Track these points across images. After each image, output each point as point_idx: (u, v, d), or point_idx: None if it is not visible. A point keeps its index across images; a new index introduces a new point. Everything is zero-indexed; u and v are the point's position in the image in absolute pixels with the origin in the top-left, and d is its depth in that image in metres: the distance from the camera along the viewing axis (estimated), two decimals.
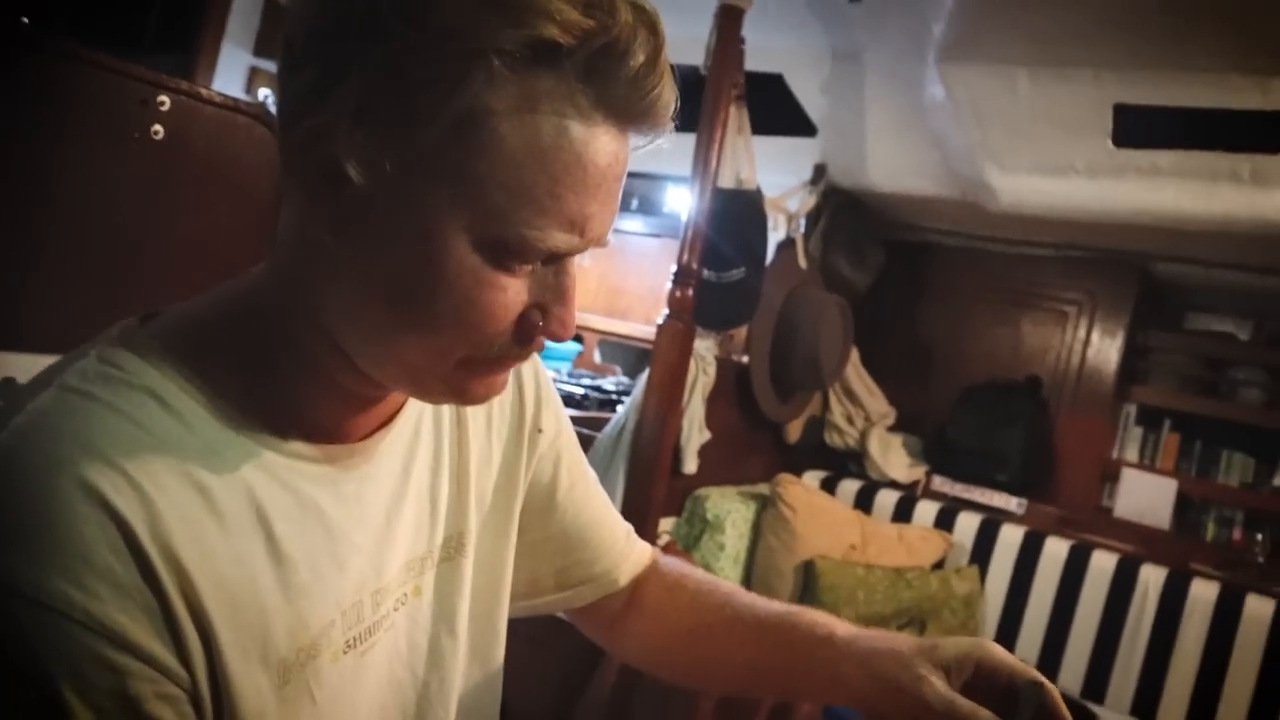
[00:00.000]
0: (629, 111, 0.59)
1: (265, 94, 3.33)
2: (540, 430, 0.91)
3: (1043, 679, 0.75)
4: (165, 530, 0.57)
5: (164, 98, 1.27)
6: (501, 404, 0.88)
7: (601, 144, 0.58)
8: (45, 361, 0.97)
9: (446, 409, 0.82)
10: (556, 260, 0.62)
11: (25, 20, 1.17)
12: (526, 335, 0.63)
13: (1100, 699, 2.66)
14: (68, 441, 0.56)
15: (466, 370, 0.63)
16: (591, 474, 1.00)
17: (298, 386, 0.66)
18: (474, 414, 0.85)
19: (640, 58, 0.57)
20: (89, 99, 1.21)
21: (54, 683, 0.53)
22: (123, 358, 0.62)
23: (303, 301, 0.64)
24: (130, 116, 1.26)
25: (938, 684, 0.75)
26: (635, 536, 1.03)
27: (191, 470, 0.60)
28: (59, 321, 1.17)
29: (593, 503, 0.99)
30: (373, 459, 0.72)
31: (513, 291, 0.60)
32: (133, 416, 0.59)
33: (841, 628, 0.84)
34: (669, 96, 0.60)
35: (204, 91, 1.33)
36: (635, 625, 1.01)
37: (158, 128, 1.28)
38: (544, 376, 0.94)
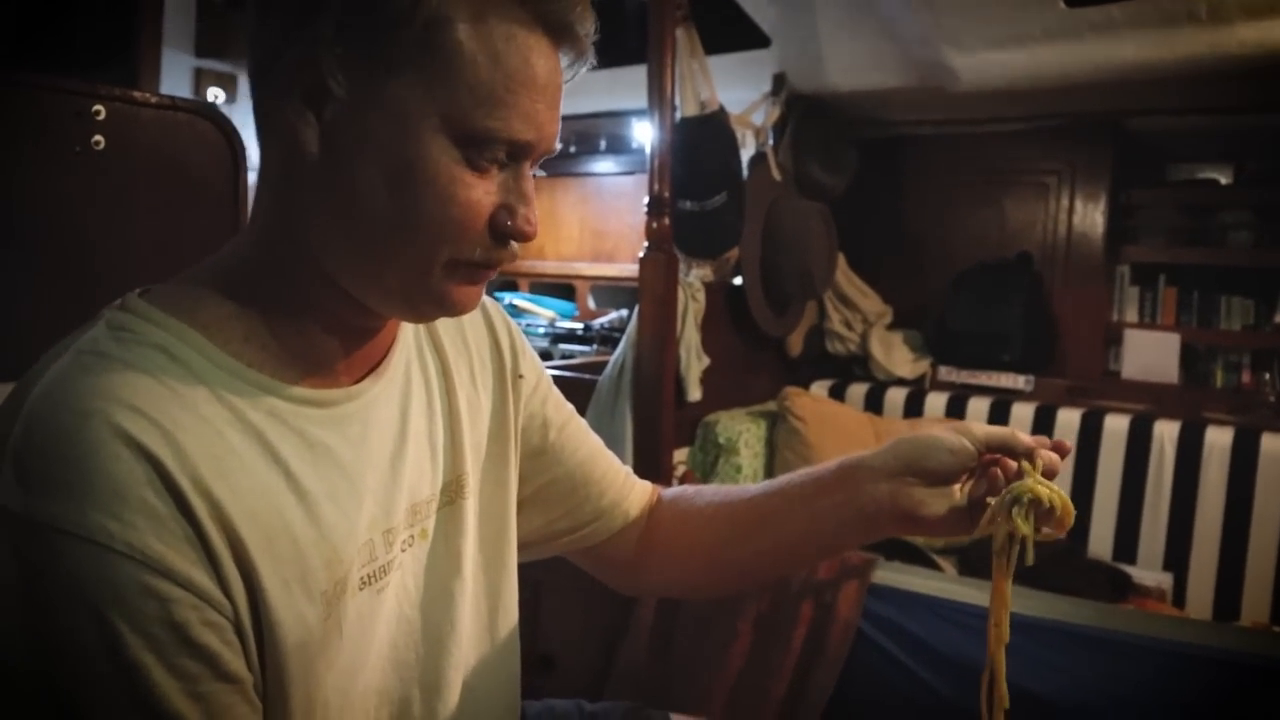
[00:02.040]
0: (559, 24, 0.69)
1: (215, 94, 3.30)
2: (521, 376, 0.95)
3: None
4: (193, 465, 0.62)
5: (99, 107, 1.26)
6: (481, 355, 0.92)
7: (542, 52, 0.68)
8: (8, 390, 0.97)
9: (431, 361, 0.87)
10: (515, 164, 0.70)
11: None
12: (498, 232, 0.70)
13: (1132, 559, 2.68)
14: (91, 394, 0.61)
15: (449, 277, 0.70)
16: (578, 416, 1.04)
17: (293, 327, 0.72)
18: (457, 364, 0.89)
19: None
20: (22, 119, 1.20)
21: (102, 611, 0.57)
22: (129, 320, 0.67)
23: (292, 240, 0.70)
24: (68, 130, 1.25)
25: (963, 427, 0.87)
26: (634, 475, 1.07)
27: (206, 414, 0.65)
28: (23, 348, 1.18)
29: (587, 440, 1.03)
30: (371, 403, 0.77)
31: (482, 190, 0.68)
32: (146, 369, 0.64)
33: (850, 455, 0.92)
34: (588, 15, 0.71)
35: (138, 95, 1.32)
36: (657, 556, 1.05)
37: (98, 138, 1.26)
38: (515, 327, 0.98)
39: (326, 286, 0.71)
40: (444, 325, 0.89)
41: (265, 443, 0.67)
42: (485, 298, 0.93)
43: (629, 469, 1.07)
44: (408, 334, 0.85)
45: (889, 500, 0.88)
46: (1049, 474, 0.84)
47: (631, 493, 1.04)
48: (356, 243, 0.69)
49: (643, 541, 1.05)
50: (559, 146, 0.74)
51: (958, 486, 0.88)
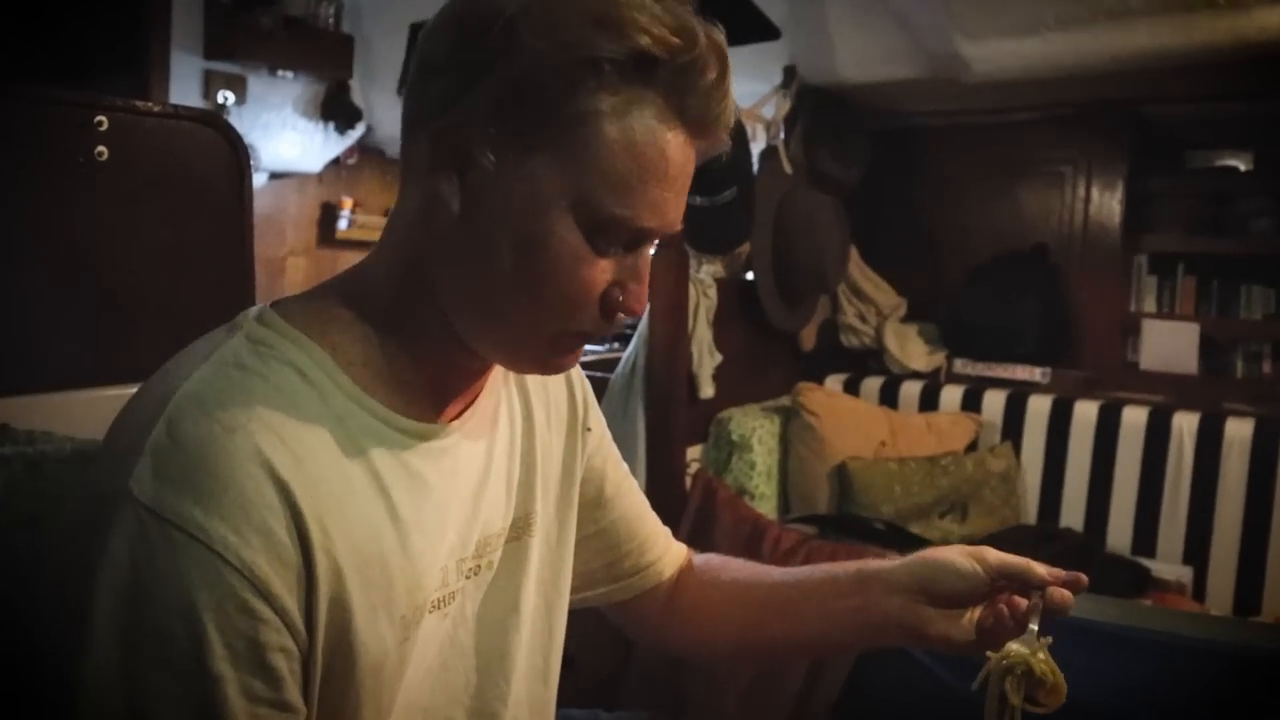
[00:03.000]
0: (700, 119, 0.71)
1: (225, 96, 3.30)
2: (589, 429, 1.00)
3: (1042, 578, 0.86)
4: (316, 494, 0.66)
5: (101, 117, 1.26)
6: (558, 402, 0.97)
7: (679, 145, 0.71)
8: (29, 402, 0.98)
9: (517, 403, 0.91)
10: (636, 245, 0.73)
11: None
12: (609, 309, 0.73)
13: (1151, 553, 2.66)
14: (237, 408, 0.66)
15: (555, 343, 0.75)
16: (630, 475, 1.09)
17: (407, 356, 0.76)
18: (538, 407, 0.94)
19: (713, 74, 0.70)
20: (25, 131, 1.20)
21: (199, 612, 0.61)
22: (267, 335, 0.72)
23: (419, 279, 0.74)
24: (71, 142, 1.24)
25: (979, 552, 0.89)
26: (672, 537, 1.12)
27: (327, 439, 0.70)
28: (35, 361, 1.17)
29: (637, 500, 1.08)
30: (463, 439, 0.81)
31: (601, 270, 0.71)
32: (281, 388, 0.69)
33: (871, 560, 0.97)
34: (731, 112, 0.73)
35: (140, 104, 1.31)
36: (679, 621, 1.09)
37: (101, 149, 1.26)
38: (587, 383, 1.04)
39: (443, 327, 0.75)
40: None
41: (373, 470, 0.72)
42: None
43: (669, 531, 1.11)
44: (498, 375, 0.89)
45: (898, 615, 0.91)
46: (1060, 610, 0.86)
47: (668, 553, 1.09)
48: (477, 298, 0.73)
49: (669, 604, 1.09)
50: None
51: (968, 611, 0.90)
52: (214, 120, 1.40)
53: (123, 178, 1.27)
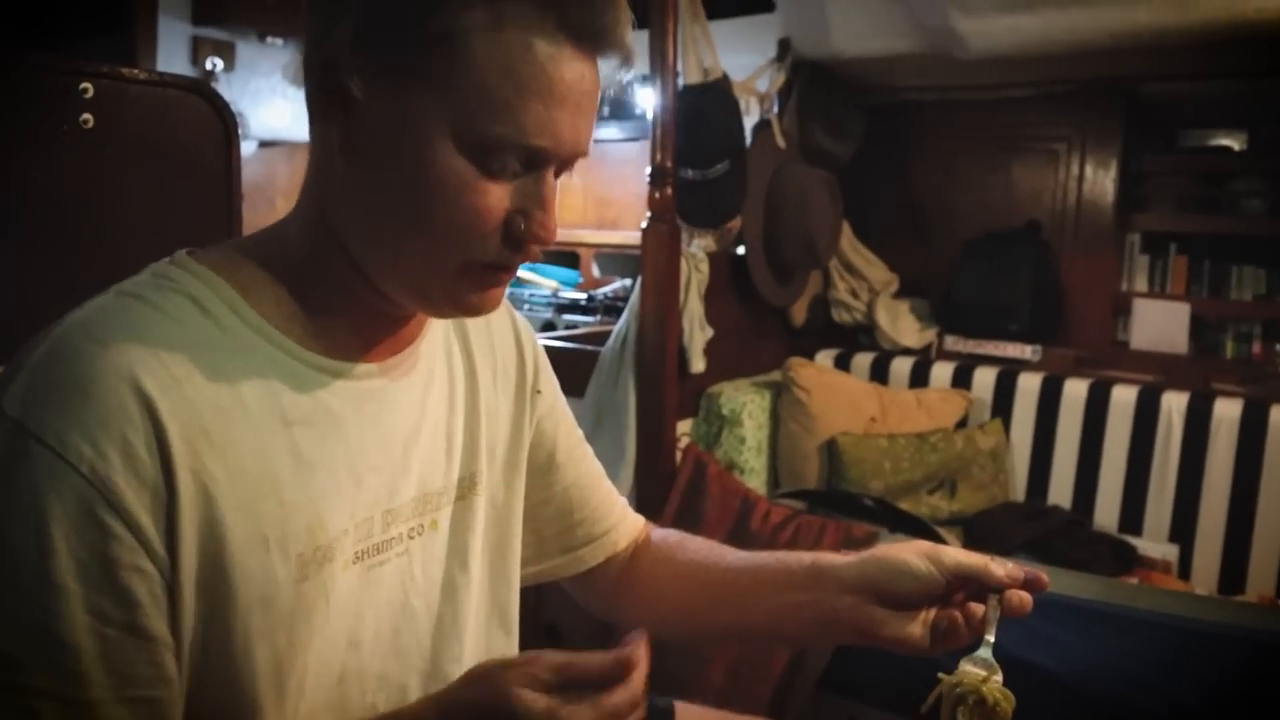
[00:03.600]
0: (585, 30, 0.69)
1: (213, 63, 3.26)
2: (539, 391, 0.99)
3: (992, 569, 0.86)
4: (192, 416, 0.65)
5: (86, 85, 1.24)
6: (505, 363, 0.96)
7: (564, 60, 0.68)
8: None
9: (459, 360, 0.90)
10: (536, 170, 0.71)
11: None
12: (513, 238, 0.71)
13: (1138, 531, 2.67)
14: (114, 329, 0.66)
15: (465, 278, 0.72)
16: (587, 444, 1.08)
17: (323, 302, 0.75)
18: (482, 367, 0.92)
19: None
20: (9, 97, 1.18)
21: (48, 522, 0.60)
22: (171, 270, 0.72)
23: (324, 224, 0.74)
24: (56, 109, 1.22)
25: (934, 553, 0.88)
26: (629, 507, 1.10)
27: (221, 366, 0.69)
28: (14, 328, 1.16)
29: (591, 467, 1.07)
30: (391, 386, 0.80)
31: (495, 196, 0.69)
32: (172, 315, 0.68)
33: (827, 555, 0.95)
34: (625, 23, 0.71)
35: (126, 71, 1.29)
36: (634, 595, 1.08)
37: (86, 116, 1.24)
38: (539, 346, 1.02)
39: (353, 270, 0.74)
40: (474, 329, 0.93)
41: (276, 403, 0.71)
42: (515, 313, 1.00)
43: (625, 501, 1.10)
44: (438, 330, 0.88)
45: (849, 614, 0.90)
46: (1018, 612, 0.85)
47: (623, 524, 1.08)
48: (376, 240, 0.72)
49: (623, 576, 1.08)
50: (587, 154, 0.74)
51: (923, 612, 0.89)
52: (201, 88, 1.38)
53: (108, 146, 1.26)
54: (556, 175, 0.73)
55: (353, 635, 0.77)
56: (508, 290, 0.82)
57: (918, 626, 0.88)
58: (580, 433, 1.07)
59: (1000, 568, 0.86)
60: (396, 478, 0.80)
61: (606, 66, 0.72)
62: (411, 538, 0.82)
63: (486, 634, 0.92)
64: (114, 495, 0.61)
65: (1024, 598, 0.85)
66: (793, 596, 0.94)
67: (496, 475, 0.93)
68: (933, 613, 0.89)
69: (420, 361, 0.84)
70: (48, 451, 0.60)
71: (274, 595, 0.69)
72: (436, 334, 0.87)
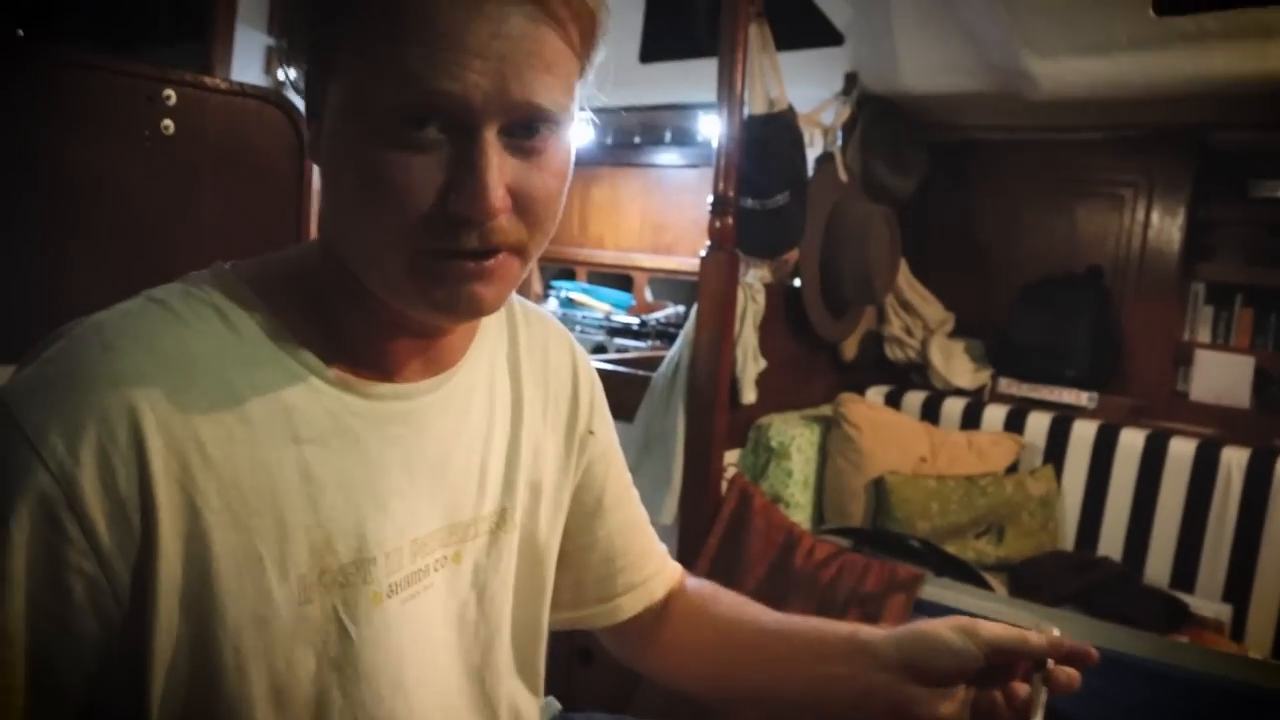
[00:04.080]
0: None
1: (287, 73, 3.33)
2: (592, 433, 0.95)
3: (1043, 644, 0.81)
4: (186, 428, 0.64)
5: (169, 91, 1.27)
6: (558, 398, 0.92)
7: (459, 4, 0.60)
8: None
9: (504, 386, 0.86)
10: (465, 135, 0.63)
11: (20, 31, 1.17)
12: (446, 218, 0.63)
13: (1190, 588, 2.60)
14: (125, 334, 0.65)
15: (422, 271, 0.66)
16: (633, 485, 1.04)
17: (349, 318, 0.73)
18: (531, 399, 0.88)
19: None
20: (95, 103, 1.21)
21: (6, 505, 0.60)
22: (202, 279, 0.71)
23: (327, 239, 0.72)
24: (138, 115, 1.26)
25: (971, 627, 0.84)
26: (667, 554, 1.07)
27: (232, 377, 0.67)
28: None
29: (636, 512, 1.03)
30: (423, 409, 0.77)
31: (420, 169, 0.63)
32: (190, 323, 0.67)
33: (864, 628, 0.91)
34: None
35: (208, 80, 1.32)
36: (662, 647, 1.04)
37: (167, 122, 1.27)
38: (599, 384, 0.98)
39: (356, 281, 0.71)
40: (528, 357, 0.89)
41: (288, 416, 0.68)
42: (578, 347, 0.95)
43: (664, 548, 1.07)
44: (483, 355, 0.84)
45: (885, 691, 0.86)
46: (1065, 690, 0.81)
47: (662, 572, 1.05)
48: (343, 241, 0.70)
49: (656, 626, 1.04)
50: (544, 108, 0.65)
51: (960, 690, 0.85)
52: (278, 99, 1.41)
53: (187, 152, 1.29)
54: (523, 144, 0.66)
55: (395, 677, 0.74)
56: (560, 311, 0.78)
57: (955, 705, 0.84)
58: (629, 476, 1.03)
59: (1041, 638, 0.81)
60: (423, 503, 0.77)
61: (553, 15, 0.64)
62: (436, 569, 0.78)
63: (525, 671, 0.90)
64: (76, 500, 0.60)
65: (1071, 674, 0.81)
66: (828, 669, 0.90)
67: (536, 514, 0.89)
68: (972, 692, 0.85)
69: (458, 386, 0.80)
70: (24, 441, 0.60)
71: (268, 616, 0.67)
72: (481, 359, 0.84)
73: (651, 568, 1.03)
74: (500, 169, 0.64)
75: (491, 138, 0.63)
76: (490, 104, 0.62)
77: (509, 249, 0.67)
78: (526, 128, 0.65)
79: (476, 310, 0.69)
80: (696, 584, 1.07)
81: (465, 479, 0.81)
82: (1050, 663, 0.81)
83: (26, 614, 0.61)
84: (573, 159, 0.71)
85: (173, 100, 1.26)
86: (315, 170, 1.33)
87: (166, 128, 1.27)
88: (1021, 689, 0.83)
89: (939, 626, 0.85)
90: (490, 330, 0.86)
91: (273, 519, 0.67)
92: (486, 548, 0.83)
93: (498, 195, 0.63)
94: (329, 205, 0.70)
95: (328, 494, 0.70)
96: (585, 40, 0.68)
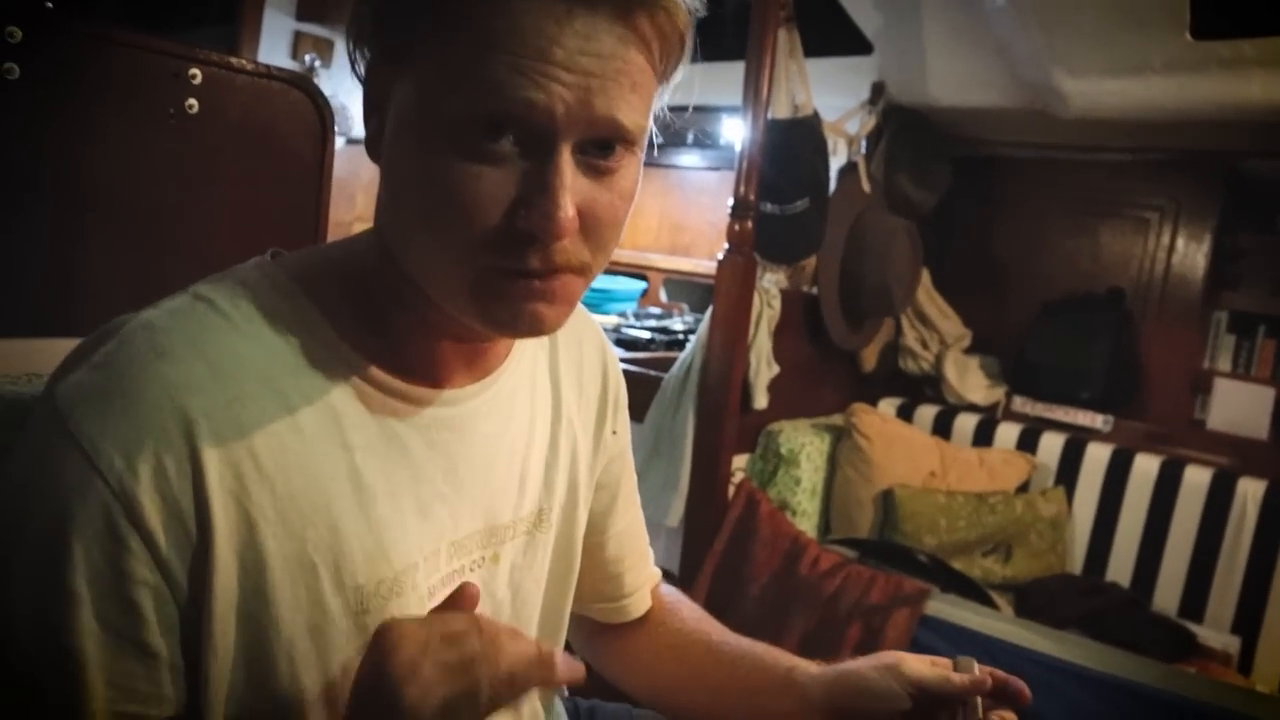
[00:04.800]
0: None
1: (312, 58, 3.33)
2: (615, 432, 0.95)
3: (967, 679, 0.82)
4: (240, 439, 0.63)
5: (195, 70, 1.26)
6: (590, 397, 0.92)
7: (547, 13, 0.59)
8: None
9: (545, 387, 0.86)
10: (541, 151, 0.61)
11: (49, 4, 1.16)
12: (515, 233, 0.62)
13: (1199, 618, 2.58)
14: (177, 339, 0.63)
15: (485, 287, 0.64)
16: (637, 490, 1.04)
17: (396, 321, 0.71)
18: (569, 399, 0.88)
19: None
20: (121, 78, 1.20)
21: (69, 525, 0.58)
22: (251, 276, 0.69)
23: (385, 240, 0.70)
24: (164, 92, 1.25)
25: (895, 666, 0.85)
26: (650, 555, 1.07)
27: (282, 385, 0.65)
28: (106, 304, 1.18)
29: (639, 515, 1.04)
30: (467, 414, 0.76)
31: (490, 182, 0.61)
32: (240, 327, 0.65)
33: (802, 665, 0.92)
34: None
35: (235, 61, 1.32)
36: (617, 649, 1.05)
37: (192, 101, 1.26)
38: (623, 382, 0.97)
39: (411, 284, 0.69)
40: (565, 356, 0.89)
41: (337, 423, 0.67)
42: (608, 345, 0.95)
43: (650, 552, 1.07)
44: (525, 357, 0.83)
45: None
46: None
47: (653, 578, 1.06)
48: (404, 245, 0.68)
49: (628, 628, 1.05)
50: (625, 126, 0.63)
51: None
52: (304, 83, 1.40)
53: (210, 132, 1.28)
54: (597, 164, 0.64)
55: None
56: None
57: None
58: (634, 478, 1.03)
59: (963, 677, 0.82)
60: (462, 508, 0.76)
61: (638, 29, 0.62)
62: (472, 570, 0.78)
63: None
64: (136, 512, 0.59)
65: (1005, 718, 0.82)
66: (761, 703, 0.92)
67: (572, 513, 0.89)
68: None
69: (501, 390, 0.80)
70: (80, 455, 0.59)
71: (323, 625, 0.67)
72: (524, 361, 0.83)
73: (649, 571, 1.04)
74: (573, 188, 0.62)
75: (567, 154, 0.62)
76: (572, 118, 0.60)
77: (572, 270, 0.65)
78: (602, 147, 0.63)
79: (538, 330, 0.67)
80: (664, 592, 1.08)
81: (506, 482, 0.80)
82: (979, 702, 0.81)
83: (98, 634, 0.60)
84: (640, 183, 0.69)
85: (198, 79, 1.25)
86: (340, 159, 1.31)
87: (191, 106, 1.26)
88: None
89: (865, 667, 0.86)
90: None
91: (326, 528, 0.66)
92: (524, 548, 0.84)
93: (569, 215, 0.62)
94: (390, 207, 0.68)
95: (379, 502, 0.69)
96: (667, 60, 0.67)
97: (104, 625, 0.60)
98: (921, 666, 0.84)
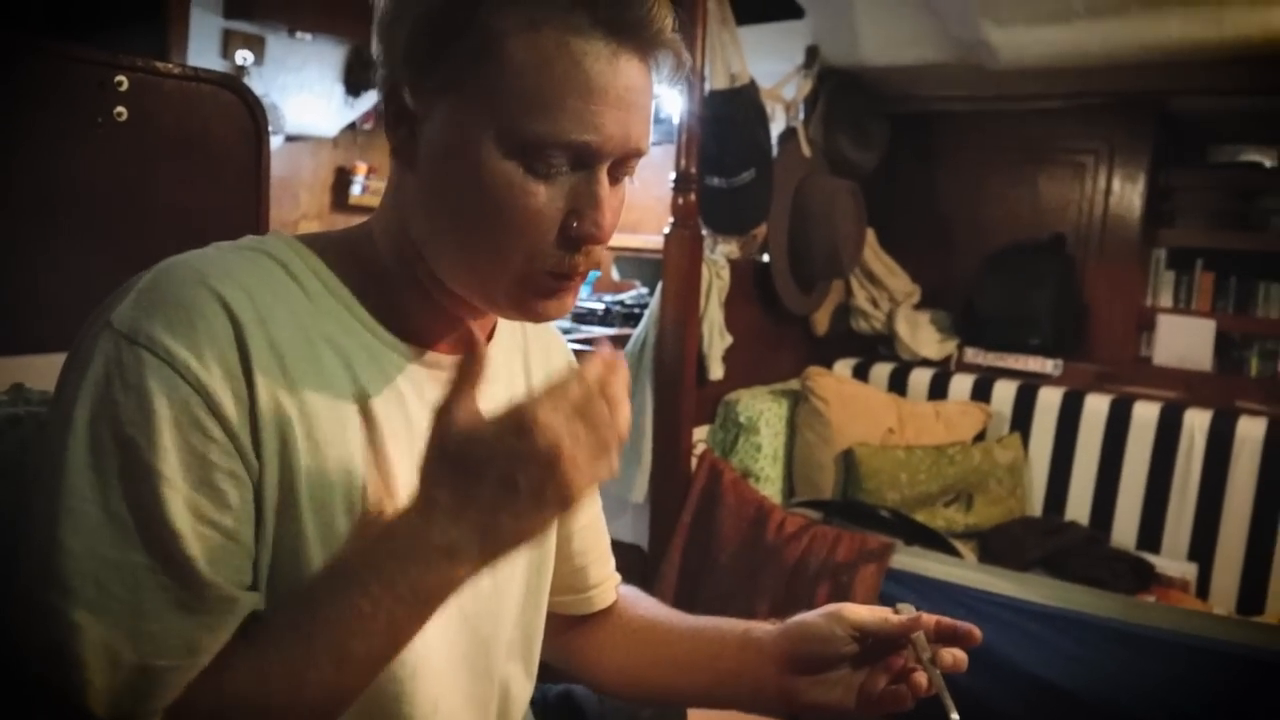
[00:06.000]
0: (620, 25, 0.69)
1: (244, 56, 3.28)
2: None
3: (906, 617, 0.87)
4: (274, 352, 0.69)
5: (121, 77, 1.25)
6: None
7: (603, 56, 0.69)
8: (44, 361, 0.99)
9: (520, 374, 0.91)
10: (587, 169, 0.71)
11: None
12: (567, 239, 0.72)
13: (1156, 549, 2.65)
14: (213, 267, 0.70)
15: (528, 284, 0.73)
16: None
17: (399, 293, 0.78)
18: (537, 384, 0.90)
19: None
20: (45, 89, 1.19)
21: (158, 421, 0.65)
22: (263, 242, 0.76)
23: (400, 230, 0.77)
24: (90, 101, 1.23)
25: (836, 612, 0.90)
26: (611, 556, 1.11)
27: (304, 324, 0.73)
28: (50, 321, 1.17)
29: (600, 511, 1.07)
30: (454, 377, 0.78)
31: (545, 197, 0.71)
32: (262, 273, 0.73)
33: (758, 626, 0.97)
34: (655, 12, 0.70)
35: (161, 65, 1.30)
36: (584, 643, 1.08)
37: (120, 109, 1.25)
38: None
39: (432, 277, 0.77)
40: (536, 353, 0.94)
41: (350, 370, 0.74)
42: (569, 351, 1.01)
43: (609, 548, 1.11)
44: (502, 340, 0.89)
45: (774, 682, 0.93)
46: (953, 670, 0.85)
47: (614, 574, 1.09)
48: (445, 246, 0.74)
49: (588, 622, 1.08)
50: (644, 152, 0.74)
51: (845, 674, 0.90)
52: (234, 84, 1.39)
53: (141, 139, 1.27)
54: (616, 176, 0.74)
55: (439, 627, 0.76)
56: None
57: (838, 690, 0.90)
58: None
59: (900, 617, 0.88)
60: None
61: (655, 63, 0.73)
62: None
63: (527, 641, 0.93)
64: (215, 403, 0.66)
65: (957, 655, 0.86)
66: (724, 665, 0.96)
67: None
68: (859, 676, 0.90)
69: (488, 362, 0.84)
70: (156, 359, 0.65)
71: (330, 540, 0.72)
72: (501, 340, 0.89)
73: (611, 566, 1.08)
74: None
75: (604, 171, 0.72)
76: (615, 146, 0.71)
77: (590, 267, 0.76)
78: (624, 165, 0.74)
79: (554, 317, 0.78)
80: (624, 591, 1.11)
81: None
82: (924, 642, 0.86)
83: (190, 520, 0.65)
84: None
85: (125, 86, 1.24)
86: (279, 157, 1.31)
87: (119, 114, 1.25)
88: (921, 679, 0.86)
89: (811, 616, 0.92)
90: (504, 321, 0.91)
91: (341, 456, 0.72)
92: None
93: (612, 223, 0.74)
94: (427, 210, 0.74)
95: (388, 447, 0.75)
96: (665, 81, 0.76)
97: (194, 512, 0.66)
98: (861, 611, 0.90)
